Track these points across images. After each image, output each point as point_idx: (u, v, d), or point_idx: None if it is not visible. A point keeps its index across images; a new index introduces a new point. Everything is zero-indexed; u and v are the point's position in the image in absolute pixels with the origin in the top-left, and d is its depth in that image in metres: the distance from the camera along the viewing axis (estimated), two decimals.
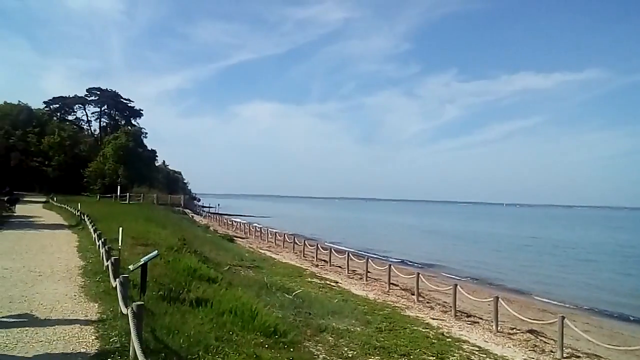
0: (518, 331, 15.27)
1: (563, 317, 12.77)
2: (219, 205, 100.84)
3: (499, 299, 15.12)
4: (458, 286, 17.18)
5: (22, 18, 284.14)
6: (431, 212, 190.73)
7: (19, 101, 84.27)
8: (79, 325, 7.65)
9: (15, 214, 33.41)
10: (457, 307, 16.83)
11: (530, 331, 15.38)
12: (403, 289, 21.23)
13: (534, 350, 13.06)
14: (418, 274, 19.46)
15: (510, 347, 13.02)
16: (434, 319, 15.52)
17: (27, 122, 77.72)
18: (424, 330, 13.23)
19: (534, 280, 30.82)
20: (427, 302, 18.76)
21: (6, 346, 6.51)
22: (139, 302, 6.10)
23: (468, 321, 16.01)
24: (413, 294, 19.40)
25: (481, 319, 16.67)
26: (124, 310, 6.65)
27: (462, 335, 13.53)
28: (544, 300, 23.94)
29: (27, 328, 7.39)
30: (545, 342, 14.26)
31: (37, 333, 7.12)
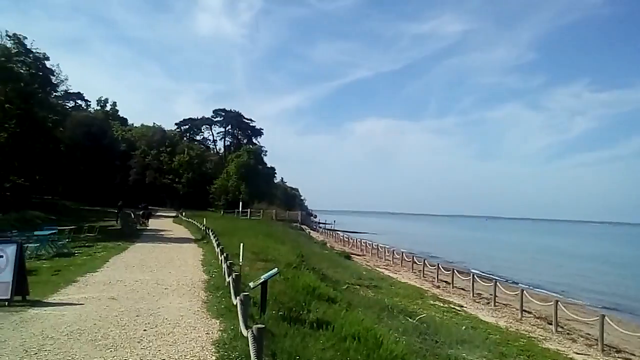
0: None
1: None
2: (334, 221, 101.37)
3: None
4: (606, 317, 15.08)
5: (157, 47, 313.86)
6: (561, 232, 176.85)
7: (154, 123, 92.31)
8: (200, 343, 7.45)
9: (148, 228, 35.80)
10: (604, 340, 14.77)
11: None
12: (537, 317, 19.25)
13: None
14: (557, 301, 17.46)
15: None
16: (578, 353, 13.72)
17: (161, 142, 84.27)
18: None
19: None
20: (568, 334, 16.73)
21: None
22: (259, 325, 5.65)
23: (619, 357, 13.98)
24: (550, 324, 17.45)
25: (633, 355, 14.50)
26: (244, 332, 6.28)
27: None
28: None
29: (151, 343, 7.32)
30: None
31: (160, 350, 7.00)
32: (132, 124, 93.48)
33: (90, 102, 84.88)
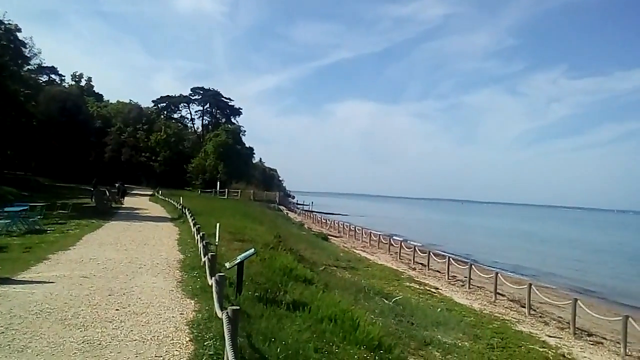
0: None
1: None
2: (312, 203, 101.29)
3: (629, 318, 13.18)
4: (578, 300, 15.32)
5: (137, 23, 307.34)
6: (534, 216, 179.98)
7: (130, 100, 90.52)
8: (174, 324, 7.31)
9: (123, 206, 35.28)
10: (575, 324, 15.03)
11: None
12: (510, 300, 19.53)
13: None
14: (530, 284, 17.70)
15: None
16: (550, 336, 13.90)
17: (137, 120, 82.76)
18: (541, 349, 11.79)
19: None
20: (540, 317, 16.99)
21: (99, 344, 6.24)
22: (234, 307, 5.53)
23: (590, 341, 14.21)
24: (523, 306, 17.73)
25: (604, 339, 14.77)
26: (219, 314, 6.15)
27: (585, 358, 11.95)
28: None
29: (123, 323, 7.16)
30: None
31: (132, 331, 6.84)
32: (108, 101, 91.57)
33: (64, 77, 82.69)
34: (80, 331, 6.69)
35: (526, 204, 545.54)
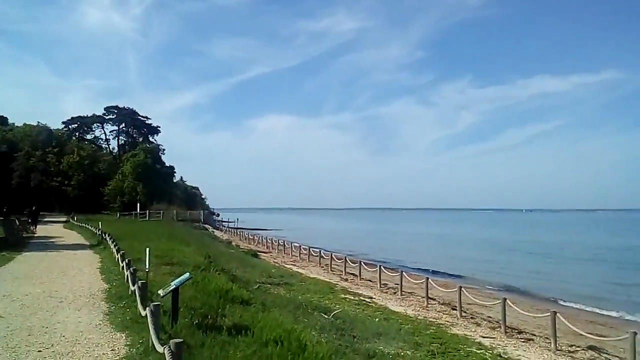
0: (578, 348, 13.95)
1: (635, 333, 11.40)
2: (237, 219, 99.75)
3: (557, 314, 13.81)
4: (507, 300, 15.89)
5: (40, 41, 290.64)
6: (449, 220, 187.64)
7: (38, 122, 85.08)
8: None
9: (36, 235, 32.96)
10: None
11: (591, 347, 14.08)
12: (441, 304, 19.98)
13: None
14: (460, 287, 18.17)
15: None
16: (484, 337, 14.27)
17: (47, 143, 78.05)
18: (478, 351, 12.03)
19: (572, 288, 29.19)
20: (471, 318, 17.48)
21: None
22: (177, 340, 5.13)
23: (521, 338, 14.74)
24: (454, 309, 18.17)
25: (534, 335, 15.37)
26: (158, 347, 5.68)
27: (520, 356, 12.34)
28: (594, 311, 22.40)
29: None
30: None
31: None
32: (13, 124, 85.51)
33: None
34: None
35: (443, 209, 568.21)
